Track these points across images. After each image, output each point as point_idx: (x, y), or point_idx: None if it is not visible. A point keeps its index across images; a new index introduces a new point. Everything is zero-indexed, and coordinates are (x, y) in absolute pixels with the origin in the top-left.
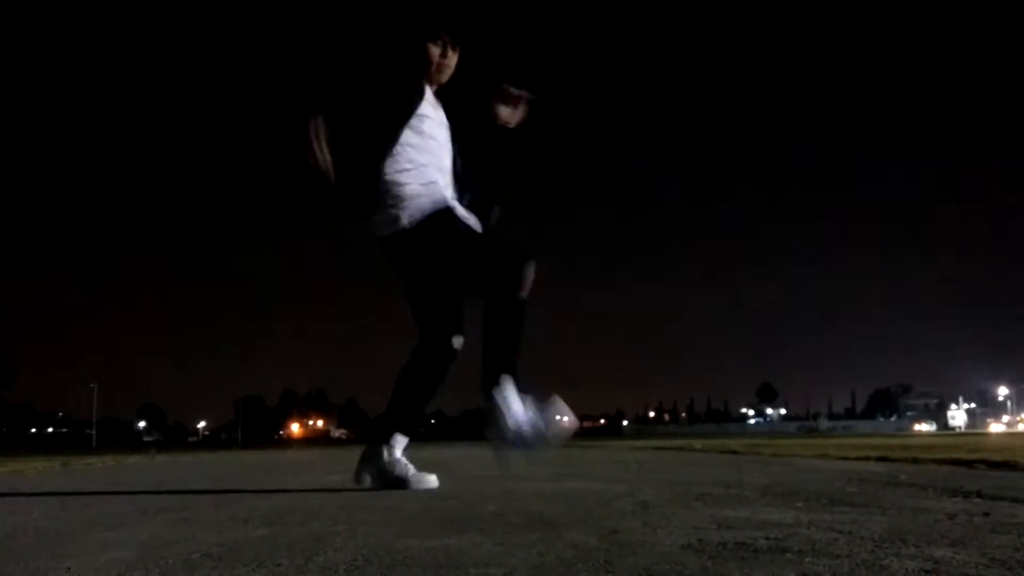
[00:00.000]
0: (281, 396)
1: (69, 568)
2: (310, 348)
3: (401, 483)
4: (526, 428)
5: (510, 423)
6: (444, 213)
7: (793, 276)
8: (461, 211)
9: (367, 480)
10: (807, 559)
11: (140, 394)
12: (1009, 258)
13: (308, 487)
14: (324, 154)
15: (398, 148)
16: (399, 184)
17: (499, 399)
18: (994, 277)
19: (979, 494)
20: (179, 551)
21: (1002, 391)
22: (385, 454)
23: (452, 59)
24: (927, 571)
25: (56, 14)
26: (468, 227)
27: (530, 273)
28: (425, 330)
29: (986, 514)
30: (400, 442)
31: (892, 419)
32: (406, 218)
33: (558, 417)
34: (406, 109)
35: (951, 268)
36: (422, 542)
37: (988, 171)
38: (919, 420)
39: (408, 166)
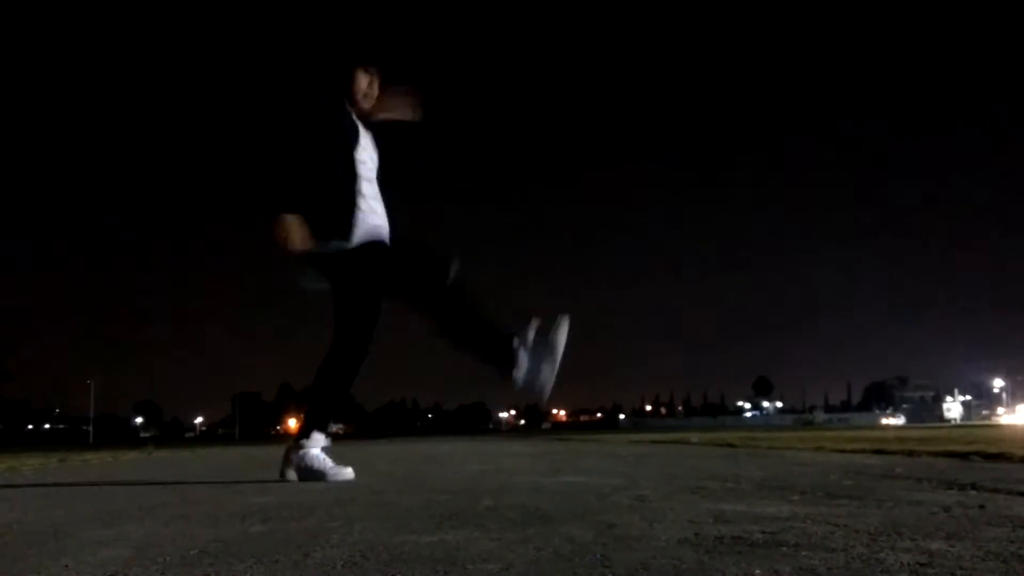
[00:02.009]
0: (278, 391)
1: (67, 565)
2: (308, 343)
3: (319, 476)
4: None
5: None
6: (378, 244)
7: (789, 270)
8: (385, 235)
9: (289, 475)
10: (803, 553)
11: (137, 390)
12: (1004, 252)
13: (304, 483)
14: (297, 242)
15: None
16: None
17: (301, 450)
18: (990, 271)
19: (974, 486)
20: (177, 548)
21: (997, 383)
22: (304, 450)
23: (375, 88)
24: (922, 564)
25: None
26: (394, 250)
27: (455, 268)
28: (347, 335)
29: (981, 507)
30: (317, 438)
31: (888, 411)
32: (353, 240)
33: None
34: (352, 139)
35: (947, 262)
36: (419, 538)
37: (985, 165)
38: (887, 415)
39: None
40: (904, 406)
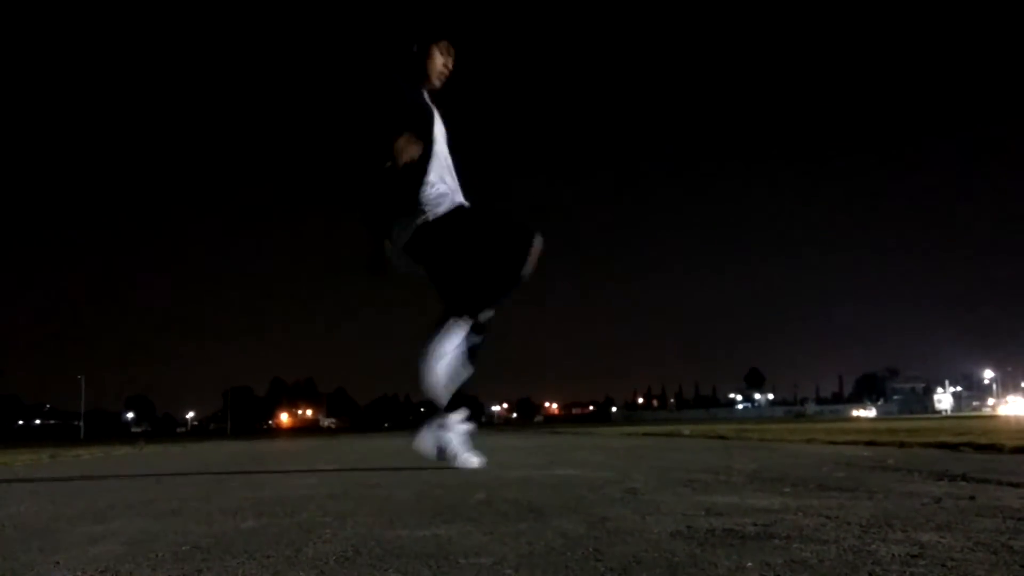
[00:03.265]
0: (270, 386)
1: (58, 562)
2: (298, 338)
3: (450, 459)
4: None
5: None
6: (458, 210)
7: (780, 262)
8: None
9: (423, 448)
10: (795, 545)
11: (128, 385)
12: (994, 242)
13: (297, 478)
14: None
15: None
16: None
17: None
18: (979, 262)
19: (964, 477)
20: (169, 543)
21: (987, 374)
22: (441, 429)
23: (450, 63)
24: (913, 556)
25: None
26: (478, 213)
27: (538, 244)
28: (453, 308)
29: (971, 497)
30: (454, 419)
31: (879, 403)
32: (430, 216)
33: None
34: (429, 132)
35: (938, 254)
36: (412, 532)
37: (975, 158)
38: (859, 406)
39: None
40: (895, 397)
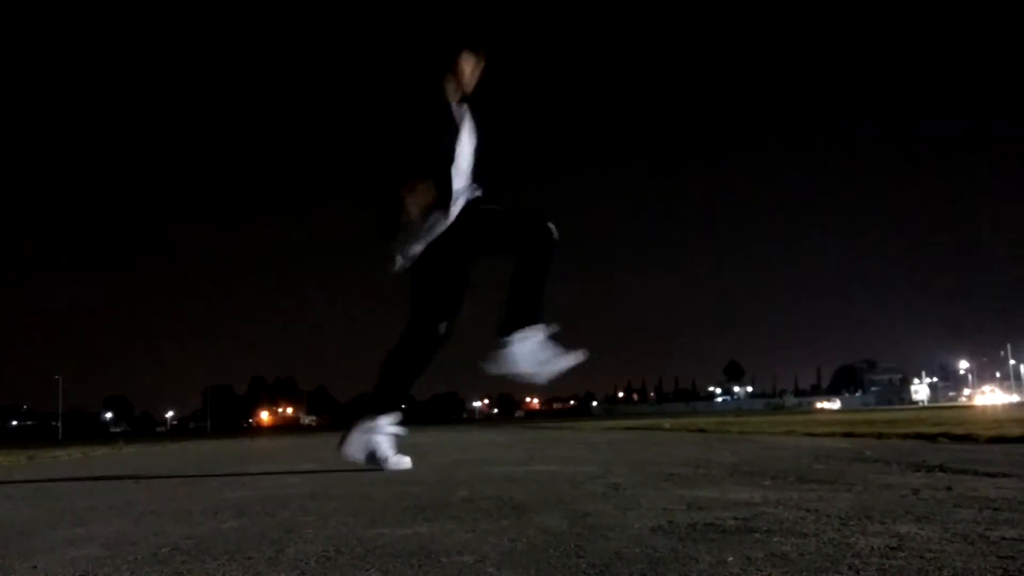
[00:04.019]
0: (249, 384)
1: (35, 566)
2: (278, 336)
3: (379, 463)
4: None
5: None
6: (471, 203)
7: (758, 255)
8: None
9: (351, 454)
10: (775, 538)
11: (106, 385)
12: (969, 234)
13: (278, 477)
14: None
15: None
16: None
17: (513, 346)
18: (955, 254)
19: (942, 468)
20: (148, 545)
21: (963, 365)
22: (370, 433)
23: (479, 71)
24: (892, 548)
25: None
26: (491, 206)
27: (553, 230)
28: (421, 315)
29: (949, 488)
30: (384, 422)
31: (857, 395)
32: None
33: (560, 356)
34: (454, 134)
35: (913, 245)
36: (393, 531)
37: (950, 148)
38: (822, 399)
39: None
40: (872, 389)
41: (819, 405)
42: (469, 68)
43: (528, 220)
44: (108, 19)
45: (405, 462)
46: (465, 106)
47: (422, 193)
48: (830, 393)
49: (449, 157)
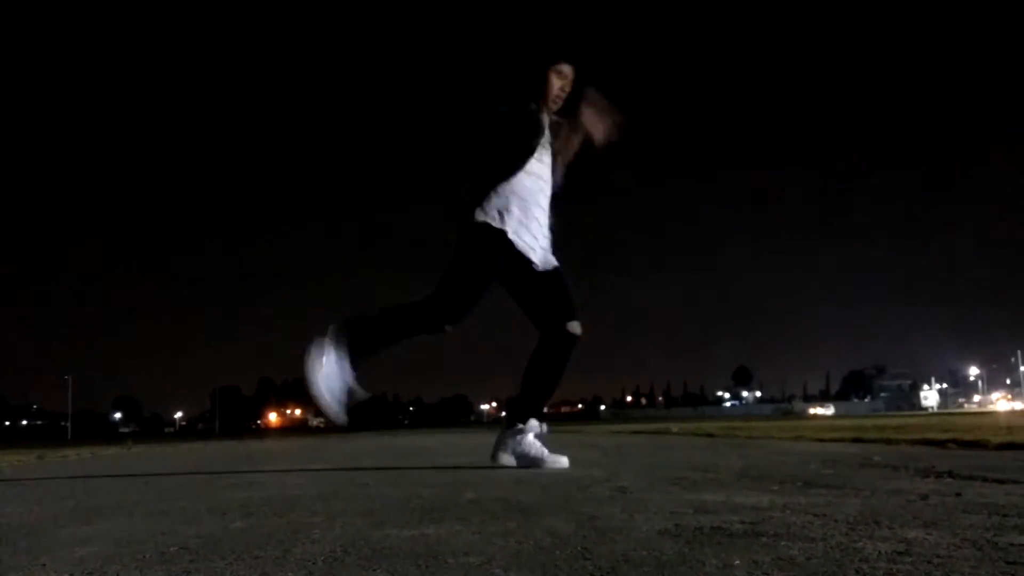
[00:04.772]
0: (258, 385)
1: (44, 564)
2: (287, 337)
3: (536, 463)
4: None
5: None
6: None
7: (767, 259)
8: (538, 256)
9: (504, 459)
10: (782, 543)
11: (116, 385)
12: (981, 240)
13: (286, 478)
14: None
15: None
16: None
17: (519, 436)
18: (965, 260)
19: (950, 474)
20: (156, 545)
21: (973, 371)
22: (522, 436)
23: (567, 87)
24: (900, 553)
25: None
26: (534, 272)
27: (576, 329)
28: (541, 324)
29: (957, 494)
30: (534, 426)
31: (866, 400)
32: (507, 231)
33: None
34: (528, 150)
35: (923, 250)
36: (400, 532)
37: (961, 156)
38: (816, 404)
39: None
40: (882, 394)
41: (812, 411)
42: (556, 87)
43: (564, 311)
44: (118, 22)
45: (563, 461)
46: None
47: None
48: (839, 399)
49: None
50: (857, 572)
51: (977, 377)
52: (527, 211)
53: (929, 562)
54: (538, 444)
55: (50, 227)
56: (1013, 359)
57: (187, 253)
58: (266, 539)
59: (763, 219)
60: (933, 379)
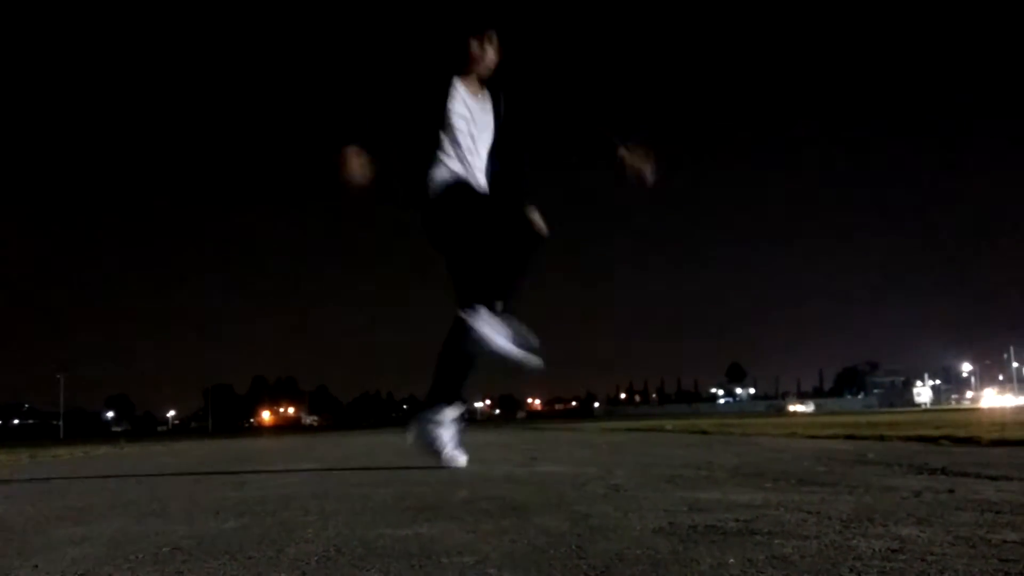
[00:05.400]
0: (251, 384)
1: (36, 565)
2: (279, 335)
3: (432, 456)
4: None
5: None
6: (458, 184)
7: (761, 256)
8: (475, 182)
9: (410, 437)
10: (776, 541)
11: (108, 384)
12: (972, 237)
13: (279, 477)
14: (358, 169)
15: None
16: (430, 173)
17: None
18: (958, 256)
19: (944, 471)
20: (149, 545)
21: (966, 368)
22: (430, 424)
23: (491, 52)
24: (894, 551)
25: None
26: (476, 192)
27: (535, 217)
28: (463, 297)
29: (950, 491)
30: (445, 414)
31: (859, 397)
32: (431, 194)
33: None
34: (439, 113)
35: (916, 247)
36: (394, 531)
37: (953, 151)
38: (793, 401)
39: (441, 157)
40: (875, 391)
41: (792, 408)
42: (476, 50)
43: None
44: (113, 21)
45: (460, 459)
46: (485, 92)
47: (349, 158)
48: (833, 395)
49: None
50: (851, 570)
51: (970, 374)
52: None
53: (923, 559)
54: (442, 437)
55: (43, 225)
56: (1005, 355)
57: (180, 251)
58: (260, 539)
59: (757, 217)
60: (926, 375)
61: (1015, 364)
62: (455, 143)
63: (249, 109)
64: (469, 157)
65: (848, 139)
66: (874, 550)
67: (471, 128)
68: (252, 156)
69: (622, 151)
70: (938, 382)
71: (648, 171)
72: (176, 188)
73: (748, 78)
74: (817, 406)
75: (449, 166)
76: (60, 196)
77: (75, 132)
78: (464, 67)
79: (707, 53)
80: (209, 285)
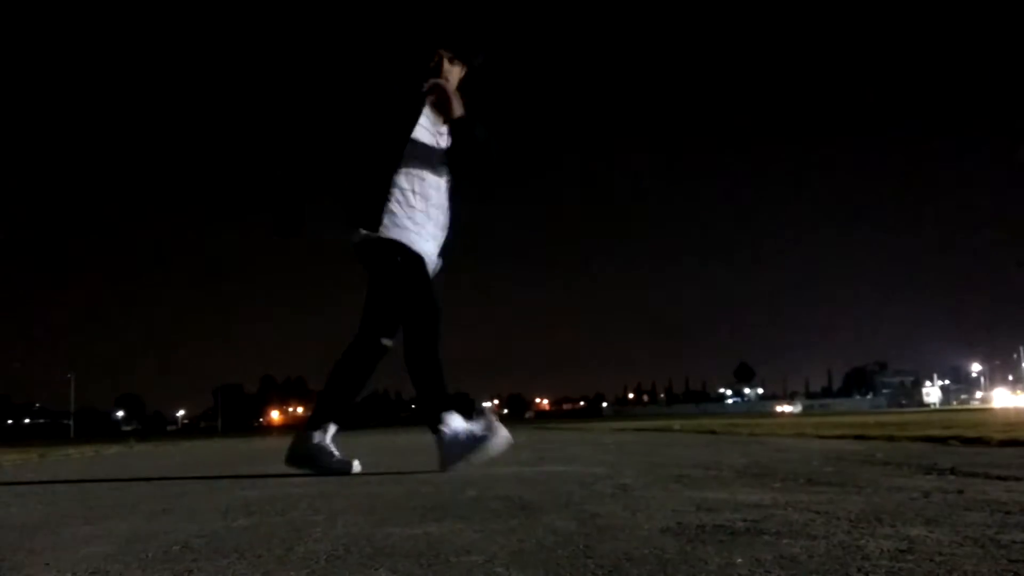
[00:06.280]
0: (260, 383)
1: (47, 563)
2: (289, 335)
3: (325, 469)
4: (467, 438)
5: (456, 446)
6: (403, 251)
7: (770, 256)
8: (426, 253)
9: (296, 462)
10: (784, 541)
11: (118, 384)
12: (982, 236)
13: (288, 476)
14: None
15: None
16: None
17: (444, 431)
18: (967, 256)
19: (953, 471)
20: (159, 543)
21: (975, 368)
22: (315, 440)
23: (455, 73)
24: (902, 551)
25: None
26: (412, 272)
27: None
28: (365, 325)
29: (959, 491)
30: (330, 429)
31: (868, 397)
32: (382, 232)
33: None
34: (403, 132)
35: (926, 247)
36: (402, 530)
37: (959, 150)
38: (781, 402)
39: (393, 189)
40: (884, 391)
41: (780, 408)
42: (446, 67)
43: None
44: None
45: (354, 466)
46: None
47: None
48: (842, 395)
49: (389, 161)
50: (859, 570)
51: (979, 374)
52: (426, 206)
53: (931, 560)
54: (330, 449)
55: (52, 224)
56: (1015, 355)
57: (189, 250)
58: (268, 538)
59: (767, 216)
60: (935, 376)
61: None
62: (405, 189)
63: (254, 110)
64: (424, 194)
65: (859, 139)
66: (882, 550)
67: (430, 163)
68: (258, 156)
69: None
70: (947, 382)
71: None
72: (188, 186)
73: (756, 73)
74: (818, 406)
75: (396, 223)
76: (70, 194)
77: (80, 130)
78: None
79: (712, 48)
80: (219, 285)
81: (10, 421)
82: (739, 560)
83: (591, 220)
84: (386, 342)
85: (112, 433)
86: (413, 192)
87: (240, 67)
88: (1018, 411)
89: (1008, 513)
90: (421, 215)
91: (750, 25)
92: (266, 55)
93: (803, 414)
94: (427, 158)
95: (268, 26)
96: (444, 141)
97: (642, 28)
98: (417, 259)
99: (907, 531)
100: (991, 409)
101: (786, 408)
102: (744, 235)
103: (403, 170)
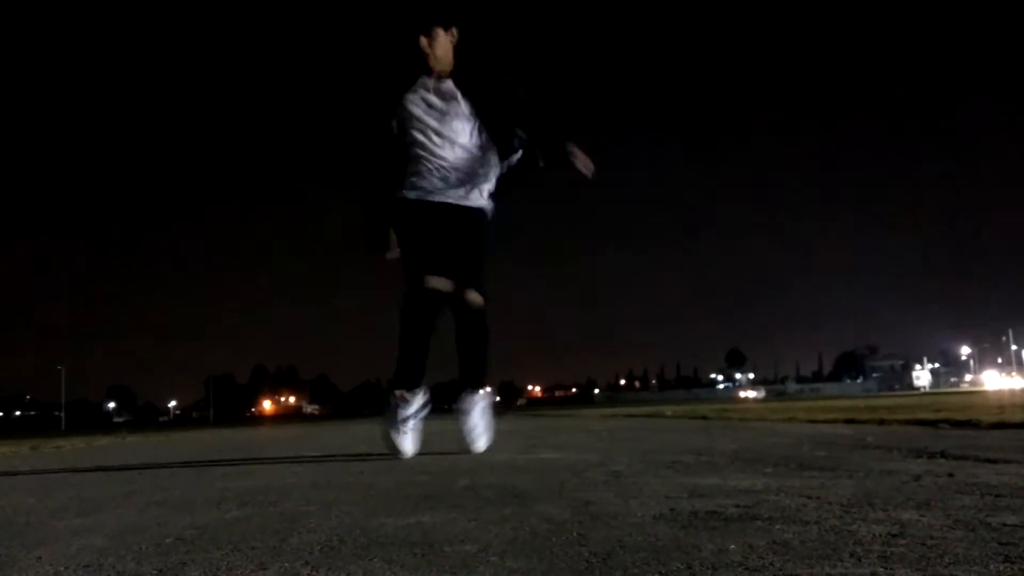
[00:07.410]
0: (252, 373)
1: (40, 557)
2: (280, 325)
3: (383, 435)
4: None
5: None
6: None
7: (759, 241)
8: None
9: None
10: (777, 526)
11: (109, 375)
12: (970, 220)
13: (281, 466)
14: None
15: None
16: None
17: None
18: (956, 239)
19: (943, 454)
20: (152, 536)
21: (964, 351)
22: (392, 402)
23: (443, 43)
24: (894, 535)
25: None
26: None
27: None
28: (406, 278)
29: (950, 475)
30: (418, 398)
31: (858, 381)
32: (410, 195)
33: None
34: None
35: (914, 230)
36: (396, 520)
37: (951, 134)
38: (744, 388)
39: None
40: (874, 375)
41: (743, 395)
42: (425, 46)
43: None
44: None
45: (406, 448)
46: (448, 82)
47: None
48: (832, 379)
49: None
50: (851, 554)
51: (969, 356)
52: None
53: (923, 543)
54: (397, 423)
55: (41, 215)
56: (1004, 338)
57: (179, 241)
58: (262, 529)
59: (756, 200)
60: (925, 359)
61: (1014, 347)
62: (419, 154)
63: (250, 104)
64: (438, 154)
65: (847, 120)
66: (874, 535)
67: (436, 124)
68: (252, 149)
69: (571, 148)
70: (937, 365)
71: (590, 169)
72: (178, 176)
73: (752, 64)
74: (809, 390)
75: (407, 196)
76: (62, 188)
77: (77, 126)
78: (421, 67)
79: (709, 43)
80: (210, 274)
81: (0, 413)
82: (732, 546)
83: (582, 205)
84: (433, 283)
85: (104, 424)
86: (423, 154)
87: (231, 60)
88: (1009, 393)
89: (998, 496)
90: (435, 177)
91: (749, 22)
92: (258, 47)
93: (766, 399)
94: (429, 118)
95: (259, 18)
96: (447, 97)
97: (641, 27)
98: (424, 207)
99: (898, 515)
100: (981, 392)
101: (750, 394)
102: (734, 220)
103: (409, 132)
